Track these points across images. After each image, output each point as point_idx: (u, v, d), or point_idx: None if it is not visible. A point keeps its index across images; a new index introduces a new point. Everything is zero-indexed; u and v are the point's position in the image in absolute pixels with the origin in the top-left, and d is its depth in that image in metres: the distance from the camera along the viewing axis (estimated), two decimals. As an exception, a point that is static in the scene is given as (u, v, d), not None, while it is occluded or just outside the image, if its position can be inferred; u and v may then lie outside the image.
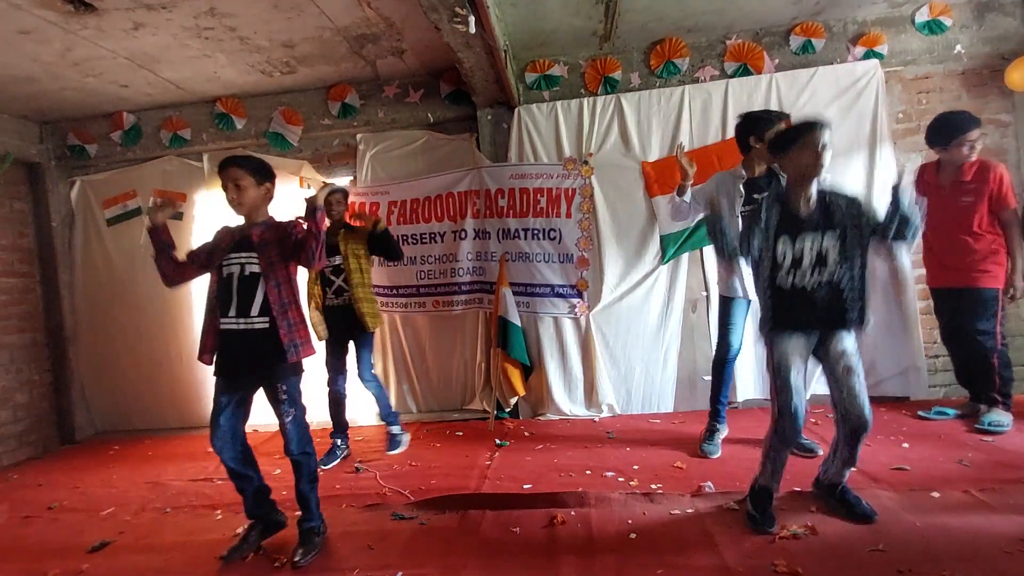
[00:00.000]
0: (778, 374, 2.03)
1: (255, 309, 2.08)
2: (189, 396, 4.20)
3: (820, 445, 2.75)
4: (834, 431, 2.09)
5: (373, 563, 2.02)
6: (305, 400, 2.18)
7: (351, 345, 3.27)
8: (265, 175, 2.19)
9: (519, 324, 3.69)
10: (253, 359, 2.10)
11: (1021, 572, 1.69)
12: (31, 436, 4.06)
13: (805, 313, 2.02)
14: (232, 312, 2.09)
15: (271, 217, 2.24)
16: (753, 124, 2.69)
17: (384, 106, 4.06)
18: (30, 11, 2.79)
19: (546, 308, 3.81)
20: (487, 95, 3.66)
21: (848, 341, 2.02)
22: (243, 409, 2.18)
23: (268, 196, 2.20)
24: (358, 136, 4.11)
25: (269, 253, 2.12)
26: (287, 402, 2.12)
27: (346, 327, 3.19)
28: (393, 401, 4.08)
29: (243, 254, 2.12)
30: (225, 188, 2.13)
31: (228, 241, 2.17)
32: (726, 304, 2.94)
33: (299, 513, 2.21)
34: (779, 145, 2.08)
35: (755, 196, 2.76)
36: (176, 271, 2.17)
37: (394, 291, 4.01)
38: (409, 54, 3.66)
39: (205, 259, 2.18)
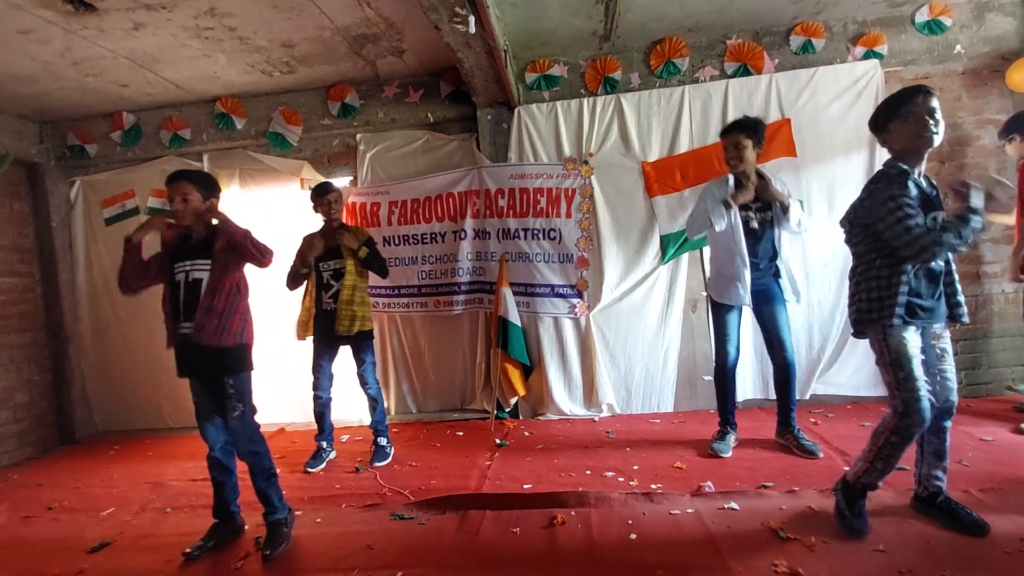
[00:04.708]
0: (899, 366, 1.88)
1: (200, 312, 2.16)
2: (189, 396, 4.15)
3: (821, 447, 2.76)
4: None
5: (373, 563, 2.02)
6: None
7: (340, 350, 3.21)
8: (212, 190, 2.29)
9: (519, 324, 3.69)
10: (202, 359, 2.19)
11: (1021, 572, 1.69)
12: (31, 436, 4.06)
13: (930, 295, 1.92)
14: (182, 317, 2.19)
15: (216, 224, 2.27)
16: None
17: (384, 106, 4.06)
18: (30, 11, 2.79)
19: (546, 308, 3.81)
20: (487, 95, 3.66)
21: (943, 325, 1.97)
22: (220, 403, 2.25)
23: (212, 209, 2.27)
24: (358, 136, 4.11)
25: (223, 259, 2.19)
26: (235, 396, 2.20)
27: (337, 333, 3.11)
28: (393, 401, 4.10)
29: (187, 262, 2.21)
30: (172, 200, 2.22)
31: (177, 249, 2.25)
32: (719, 311, 2.91)
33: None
34: (878, 120, 1.97)
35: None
36: (139, 282, 2.26)
37: (394, 291, 4.01)
38: (409, 54, 3.66)
39: (157, 269, 2.26)
